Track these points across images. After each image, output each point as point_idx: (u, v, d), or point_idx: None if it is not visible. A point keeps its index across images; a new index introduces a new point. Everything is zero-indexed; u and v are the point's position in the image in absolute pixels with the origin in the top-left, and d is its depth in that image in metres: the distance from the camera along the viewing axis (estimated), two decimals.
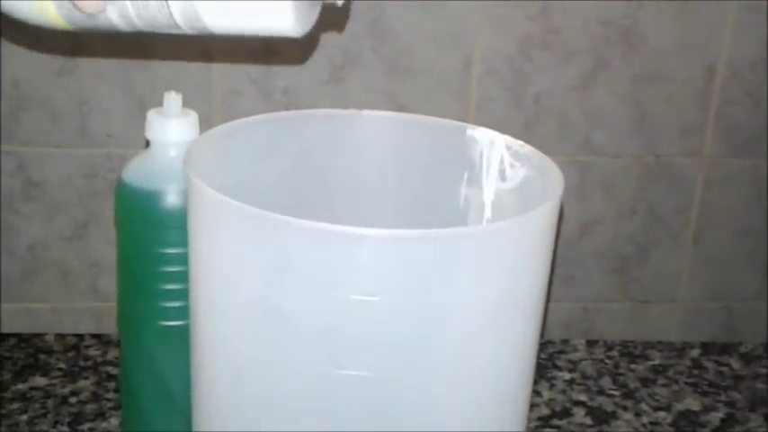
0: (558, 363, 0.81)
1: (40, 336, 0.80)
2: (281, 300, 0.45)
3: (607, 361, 0.82)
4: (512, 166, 0.55)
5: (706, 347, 0.85)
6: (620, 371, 0.81)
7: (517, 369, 0.50)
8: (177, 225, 0.54)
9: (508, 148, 0.55)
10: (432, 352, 0.46)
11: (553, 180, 0.50)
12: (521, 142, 0.55)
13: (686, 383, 0.79)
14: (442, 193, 0.58)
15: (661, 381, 0.80)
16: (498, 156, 0.55)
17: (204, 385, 0.51)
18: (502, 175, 0.55)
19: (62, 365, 0.76)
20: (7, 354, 0.77)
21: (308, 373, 0.46)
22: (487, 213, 0.57)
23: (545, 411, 0.74)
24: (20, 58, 0.73)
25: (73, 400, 0.72)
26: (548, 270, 0.49)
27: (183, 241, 0.51)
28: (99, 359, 0.77)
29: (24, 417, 0.70)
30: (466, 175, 0.57)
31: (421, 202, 0.59)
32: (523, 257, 0.47)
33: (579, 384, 0.78)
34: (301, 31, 0.51)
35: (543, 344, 0.82)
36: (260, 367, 0.47)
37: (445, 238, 0.45)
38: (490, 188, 0.56)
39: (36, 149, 0.75)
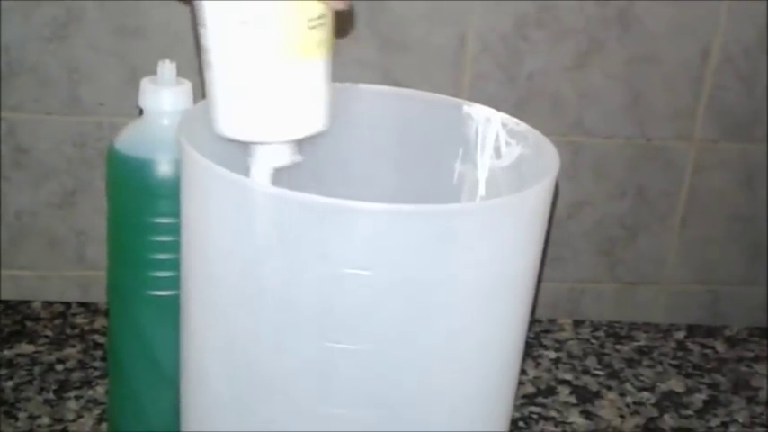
0: (545, 341, 0.82)
1: (27, 303, 0.79)
2: (274, 272, 0.45)
3: (593, 341, 0.82)
4: (507, 143, 0.55)
5: (691, 330, 0.86)
6: (606, 351, 0.81)
7: (508, 345, 0.50)
8: (169, 194, 0.54)
9: (504, 125, 0.55)
10: (424, 326, 0.46)
11: (548, 159, 0.50)
12: (517, 120, 0.55)
13: (671, 365, 0.80)
14: (436, 168, 0.58)
15: (646, 362, 0.80)
16: (494, 133, 0.55)
17: (194, 356, 0.51)
18: (497, 153, 0.55)
19: (49, 333, 0.76)
20: None
21: (300, 346, 0.46)
22: (481, 190, 0.56)
23: (530, 389, 0.75)
24: (11, 24, 0.72)
25: (59, 367, 0.72)
26: (541, 248, 0.49)
27: (175, 211, 0.51)
28: (86, 327, 0.77)
29: (10, 383, 0.69)
30: (460, 152, 0.57)
31: (414, 177, 0.58)
32: (518, 235, 0.47)
33: (565, 363, 0.79)
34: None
35: (530, 323, 0.82)
36: (251, 339, 0.47)
37: (441, 214, 0.44)
38: (484, 165, 0.56)
39: (26, 116, 0.75)
